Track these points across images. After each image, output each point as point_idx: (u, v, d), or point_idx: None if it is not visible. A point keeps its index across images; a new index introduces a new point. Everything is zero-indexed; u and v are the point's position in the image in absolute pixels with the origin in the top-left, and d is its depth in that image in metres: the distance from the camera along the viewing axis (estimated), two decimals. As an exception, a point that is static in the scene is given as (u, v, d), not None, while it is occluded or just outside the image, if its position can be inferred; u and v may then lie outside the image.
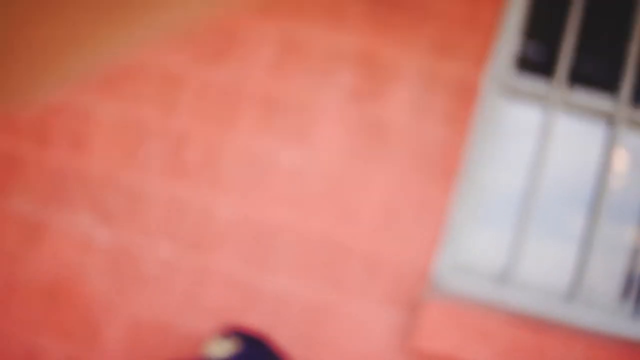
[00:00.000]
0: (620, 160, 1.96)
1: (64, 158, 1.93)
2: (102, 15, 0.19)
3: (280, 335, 1.84)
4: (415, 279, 1.84)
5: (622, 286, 1.94)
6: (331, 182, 1.88)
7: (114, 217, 1.91)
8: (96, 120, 1.93)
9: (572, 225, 1.93)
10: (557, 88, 1.93)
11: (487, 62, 1.88)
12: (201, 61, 1.92)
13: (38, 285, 1.91)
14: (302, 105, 1.90)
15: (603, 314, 1.87)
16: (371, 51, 1.89)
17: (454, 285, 1.87)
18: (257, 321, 1.84)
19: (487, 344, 1.80)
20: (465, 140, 1.86)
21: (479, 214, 1.93)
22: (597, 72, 2.00)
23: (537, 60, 1.99)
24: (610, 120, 1.93)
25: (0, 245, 1.93)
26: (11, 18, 0.19)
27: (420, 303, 1.82)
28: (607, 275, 1.93)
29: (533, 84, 1.93)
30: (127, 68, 1.94)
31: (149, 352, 1.87)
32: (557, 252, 1.94)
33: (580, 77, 1.95)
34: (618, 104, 1.92)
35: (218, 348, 1.62)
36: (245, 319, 1.85)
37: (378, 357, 1.84)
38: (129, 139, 1.92)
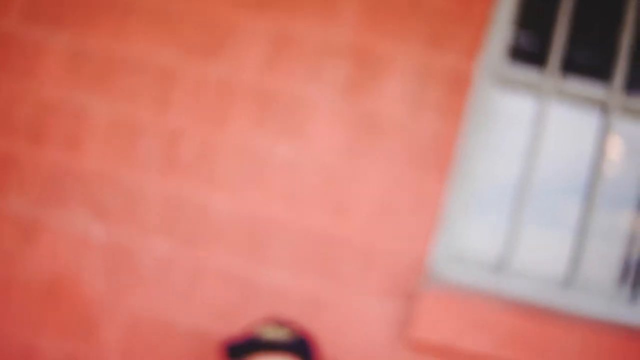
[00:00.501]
0: (615, 148, 1.96)
1: (60, 156, 1.93)
2: None
3: (278, 329, 1.85)
4: (411, 269, 1.85)
5: (618, 272, 1.95)
6: (326, 176, 1.89)
7: (110, 214, 1.91)
8: (91, 118, 1.94)
9: (568, 213, 1.94)
10: (550, 77, 1.93)
11: (480, 53, 1.88)
12: (194, 57, 1.93)
13: (35, 284, 1.91)
14: (296, 100, 1.90)
15: (600, 300, 1.88)
16: (364, 45, 1.90)
17: (450, 275, 1.88)
18: (255, 315, 1.85)
19: (484, 333, 1.81)
20: (459, 131, 1.87)
21: (474, 204, 1.94)
22: (589, 60, 2.00)
23: (529, 50, 2.00)
24: (603, 108, 1.93)
25: (-3, 245, 1.93)
26: None
27: (416, 294, 1.82)
28: (604, 261, 1.94)
29: (526, 73, 1.94)
30: (120, 65, 1.94)
31: (147, 349, 1.87)
32: (553, 240, 1.94)
33: (573, 66, 1.95)
34: (611, 92, 1.92)
35: (275, 332, 1.63)
36: (243, 313, 1.86)
37: (376, 349, 1.84)
38: (123, 137, 1.93)
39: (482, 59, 1.90)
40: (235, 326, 1.85)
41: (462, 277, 1.87)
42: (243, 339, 1.63)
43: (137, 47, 1.94)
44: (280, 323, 1.69)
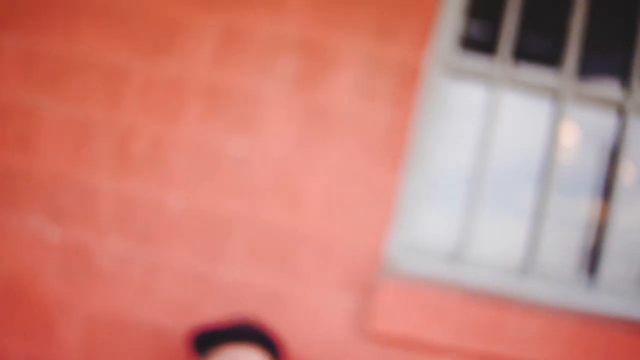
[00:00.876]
0: (569, 134, 1.96)
1: (12, 158, 1.92)
2: None
3: (236, 325, 1.84)
4: (368, 261, 1.84)
5: (576, 259, 1.95)
6: (280, 171, 1.88)
7: (65, 215, 1.90)
8: (43, 118, 1.93)
9: (524, 200, 1.94)
10: (502, 65, 1.93)
11: (430, 43, 1.88)
12: (145, 55, 1.92)
13: (-10, 287, 1.90)
14: (248, 95, 1.90)
15: (558, 287, 1.87)
16: (313, 38, 1.89)
17: (407, 266, 1.87)
18: (213, 312, 1.84)
19: (444, 323, 1.80)
20: (411, 121, 1.87)
21: (429, 194, 1.93)
22: (541, 47, 2.00)
23: (480, 39, 2.00)
24: (555, 95, 1.93)
25: (-48, 249, 1.92)
26: None
27: (374, 285, 1.82)
28: (561, 248, 1.94)
29: (477, 62, 1.94)
30: (71, 65, 1.93)
31: (107, 347, 1.86)
32: (510, 228, 1.94)
33: (524, 54, 1.95)
34: (563, 79, 1.92)
35: (241, 325, 1.66)
36: (201, 309, 1.85)
37: (335, 342, 1.83)
38: (76, 136, 1.92)
39: (432, 49, 1.89)
40: (194, 322, 1.84)
41: (419, 268, 1.87)
42: (211, 329, 1.62)
43: (87, 46, 1.94)
44: (245, 318, 1.68)
